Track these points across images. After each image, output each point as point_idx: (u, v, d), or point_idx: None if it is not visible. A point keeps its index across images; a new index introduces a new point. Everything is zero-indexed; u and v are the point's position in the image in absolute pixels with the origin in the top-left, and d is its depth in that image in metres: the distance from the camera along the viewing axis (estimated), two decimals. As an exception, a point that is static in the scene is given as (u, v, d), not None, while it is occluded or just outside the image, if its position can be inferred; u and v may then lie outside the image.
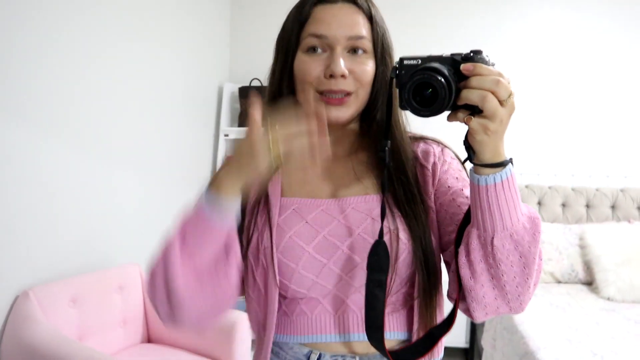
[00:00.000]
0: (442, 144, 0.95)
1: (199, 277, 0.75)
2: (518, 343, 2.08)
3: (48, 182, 1.90)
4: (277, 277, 0.84)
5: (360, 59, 0.85)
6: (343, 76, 0.82)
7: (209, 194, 0.74)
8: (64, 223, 1.98)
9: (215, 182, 0.74)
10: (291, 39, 0.87)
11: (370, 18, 0.87)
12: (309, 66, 0.84)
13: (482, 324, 2.70)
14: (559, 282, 2.78)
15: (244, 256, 0.87)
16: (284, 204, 0.88)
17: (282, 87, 0.90)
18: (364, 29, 0.85)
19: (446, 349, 3.04)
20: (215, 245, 0.75)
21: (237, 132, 3.21)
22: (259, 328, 0.89)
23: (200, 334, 0.79)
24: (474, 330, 3.00)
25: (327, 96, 0.84)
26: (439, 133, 0.95)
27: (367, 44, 0.86)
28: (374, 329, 0.79)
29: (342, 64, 0.82)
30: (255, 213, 0.89)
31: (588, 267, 2.72)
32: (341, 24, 0.84)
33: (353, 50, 0.85)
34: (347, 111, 0.85)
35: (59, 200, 1.95)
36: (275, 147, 0.70)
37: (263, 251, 0.85)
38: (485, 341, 2.54)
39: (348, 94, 0.84)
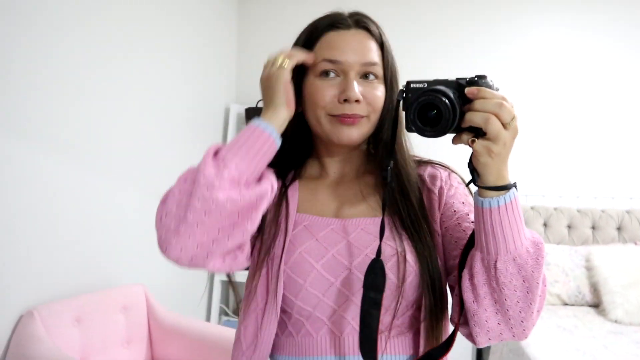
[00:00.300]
0: (449, 168, 0.96)
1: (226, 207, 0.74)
2: (525, 366, 2.05)
3: (52, 201, 1.91)
4: (281, 290, 0.84)
5: (372, 84, 0.87)
6: (357, 101, 0.84)
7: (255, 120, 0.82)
8: (69, 242, 1.99)
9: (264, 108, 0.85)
10: (302, 63, 0.89)
11: (382, 44, 0.90)
12: (322, 90, 0.86)
13: (489, 347, 2.67)
14: (566, 304, 2.75)
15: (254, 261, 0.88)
16: (298, 219, 0.90)
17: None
18: (376, 55, 0.88)
19: (452, 372, 3.00)
20: (263, 157, 0.80)
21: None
22: (250, 346, 0.87)
23: (181, 266, 0.76)
24: (480, 354, 2.97)
25: (340, 117, 0.85)
26: (442, 156, 0.96)
27: (379, 70, 0.88)
28: (368, 348, 0.78)
29: (356, 89, 0.84)
30: (274, 222, 0.89)
31: (595, 289, 2.70)
32: (355, 50, 0.86)
33: (365, 76, 0.87)
34: (359, 131, 0.87)
35: (63, 219, 1.96)
36: (285, 61, 0.83)
37: (271, 259, 0.86)
38: (492, 364, 2.51)
39: (361, 117, 0.86)
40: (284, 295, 0.85)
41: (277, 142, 0.82)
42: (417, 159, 0.96)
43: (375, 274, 0.79)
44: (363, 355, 0.79)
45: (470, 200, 0.90)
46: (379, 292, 0.78)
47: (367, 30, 0.89)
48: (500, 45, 3.22)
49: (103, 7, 2.12)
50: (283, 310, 0.88)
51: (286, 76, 0.83)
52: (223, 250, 0.78)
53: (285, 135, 0.90)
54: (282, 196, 0.92)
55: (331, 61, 0.85)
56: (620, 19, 3.12)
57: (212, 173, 0.74)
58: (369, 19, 0.91)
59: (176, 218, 0.75)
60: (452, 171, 0.95)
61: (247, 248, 0.85)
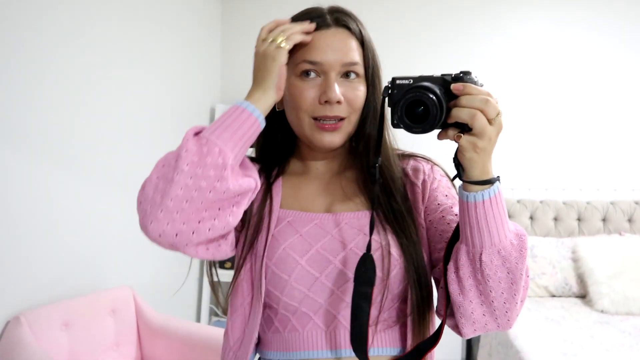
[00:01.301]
0: (431, 161, 0.96)
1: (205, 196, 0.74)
2: (513, 358, 2.07)
3: (38, 206, 1.89)
4: (264, 285, 0.84)
5: (352, 84, 0.87)
6: (338, 102, 0.84)
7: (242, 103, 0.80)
8: (55, 247, 1.97)
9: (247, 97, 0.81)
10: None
11: (362, 42, 0.89)
12: (303, 92, 0.85)
13: (478, 340, 2.70)
14: (553, 295, 2.79)
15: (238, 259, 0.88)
16: (281, 215, 0.90)
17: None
18: (356, 53, 0.87)
19: (442, 365, 3.03)
20: (247, 141, 0.79)
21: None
22: (237, 342, 0.88)
23: (162, 246, 0.76)
24: (470, 346, 3.00)
25: (321, 122, 0.86)
26: (425, 151, 0.97)
27: (360, 68, 0.88)
28: (358, 341, 0.79)
29: (337, 90, 0.84)
30: (257, 217, 0.89)
31: (581, 280, 2.73)
32: (335, 50, 0.85)
33: (345, 75, 0.87)
34: (340, 136, 0.88)
35: (49, 223, 1.94)
36: (278, 39, 0.81)
37: (254, 255, 0.86)
38: (481, 357, 2.53)
39: (341, 119, 0.86)
40: (269, 291, 0.85)
41: (262, 126, 0.82)
42: (400, 152, 0.96)
43: (365, 267, 0.79)
44: (354, 349, 0.79)
45: (453, 192, 0.91)
46: (369, 286, 0.79)
47: (348, 28, 0.88)
48: (483, 39, 3.24)
49: (84, 10, 2.10)
50: (269, 306, 0.88)
51: (283, 58, 0.82)
52: (204, 239, 0.78)
53: (269, 132, 0.90)
54: (266, 192, 0.92)
55: (311, 62, 0.85)
56: (602, 12, 3.15)
57: (194, 157, 0.74)
58: (349, 16, 0.90)
59: (154, 204, 0.75)
60: (435, 164, 0.96)
61: (232, 238, 0.86)
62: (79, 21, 2.08)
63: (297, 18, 0.89)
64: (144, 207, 0.76)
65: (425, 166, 0.94)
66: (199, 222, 0.75)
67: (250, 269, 0.87)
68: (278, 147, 0.97)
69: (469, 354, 3.00)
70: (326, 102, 0.84)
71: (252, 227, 0.88)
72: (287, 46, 0.81)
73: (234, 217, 0.79)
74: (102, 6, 2.22)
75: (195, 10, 3.15)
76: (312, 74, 0.86)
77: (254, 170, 0.84)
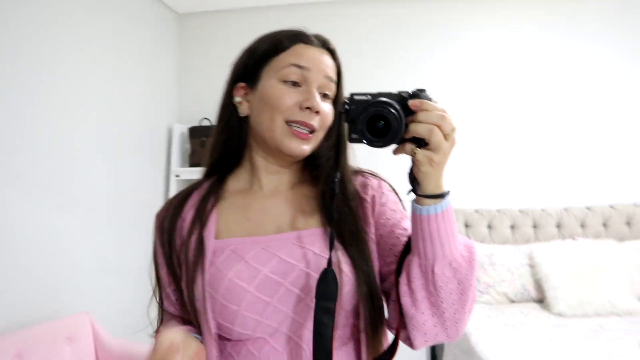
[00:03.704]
0: (378, 177, 0.98)
1: None
2: (477, 365, 2.10)
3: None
4: (212, 323, 0.83)
5: (326, 103, 0.90)
6: (317, 112, 0.87)
7: None
8: (6, 273, 1.90)
9: None
10: (260, 65, 0.90)
11: (339, 69, 0.94)
12: (284, 95, 0.87)
13: (442, 349, 2.73)
14: (513, 301, 2.85)
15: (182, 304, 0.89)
16: (220, 246, 0.88)
17: (228, 110, 0.93)
18: (335, 75, 0.92)
19: (408, 376, 3.04)
20: None
21: (188, 172, 3.19)
22: None
23: None
24: (434, 356, 3.02)
25: (295, 128, 0.87)
26: (374, 167, 0.99)
27: (333, 89, 0.92)
28: (323, 358, 0.78)
29: (319, 99, 0.87)
30: (186, 259, 0.88)
31: (539, 285, 2.80)
32: (320, 63, 0.89)
33: (323, 95, 0.90)
34: (309, 147, 0.89)
35: (1, 248, 1.87)
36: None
37: (198, 299, 0.85)
38: (446, 366, 2.56)
39: (313, 130, 0.88)
40: (219, 324, 0.84)
41: None
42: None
43: (327, 283, 0.79)
44: None
45: (400, 207, 0.93)
46: (331, 301, 0.79)
47: (332, 53, 0.94)
48: (435, 53, 3.33)
49: (35, 28, 2.05)
50: (220, 337, 0.86)
51: None
52: None
53: (221, 141, 0.93)
54: (199, 233, 0.90)
55: (299, 66, 0.87)
56: (554, 13, 3.25)
57: None
58: (332, 43, 0.95)
59: None
60: (382, 179, 0.98)
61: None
62: (32, 41, 2.03)
63: (281, 34, 0.92)
64: None
65: (373, 182, 0.95)
66: None
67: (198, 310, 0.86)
68: (227, 157, 0.97)
69: (435, 363, 3.03)
70: (307, 108, 0.86)
71: (188, 273, 0.87)
72: None
73: None
74: (56, 26, 2.18)
75: (151, 30, 3.13)
76: (294, 83, 0.88)
77: None
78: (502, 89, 3.28)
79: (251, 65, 0.92)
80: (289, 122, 0.87)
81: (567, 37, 3.26)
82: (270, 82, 0.88)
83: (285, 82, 0.88)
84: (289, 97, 0.86)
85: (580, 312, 2.58)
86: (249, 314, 0.82)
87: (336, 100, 0.93)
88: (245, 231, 0.90)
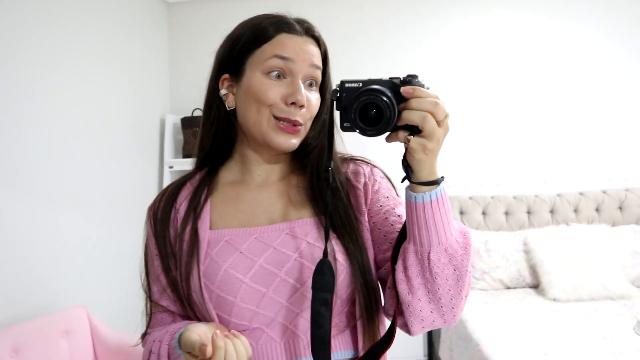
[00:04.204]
0: (370, 163, 0.97)
1: None
2: (473, 350, 2.12)
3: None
4: (213, 314, 0.83)
5: (312, 91, 0.89)
6: (302, 106, 0.85)
7: None
8: (1, 267, 1.88)
9: None
10: (243, 56, 0.88)
11: (325, 55, 0.93)
12: (270, 89, 0.85)
13: (439, 335, 2.75)
14: (508, 287, 2.87)
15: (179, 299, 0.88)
16: (214, 237, 0.88)
17: (215, 102, 0.92)
18: (320, 62, 0.90)
19: (405, 363, 3.07)
20: None
21: (181, 164, 3.17)
22: None
23: None
24: (432, 342, 3.05)
25: (282, 123, 0.86)
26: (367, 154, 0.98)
27: (319, 76, 0.90)
28: (321, 348, 0.78)
29: (304, 92, 0.85)
30: (180, 250, 0.88)
31: (533, 270, 2.83)
32: (305, 53, 0.87)
33: (309, 84, 0.88)
34: (297, 140, 0.88)
35: (-5, 245, 1.86)
36: None
37: (195, 291, 0.84)
38: (443, 352, 2.58)
39: (300, 124, 0.87)
40: (217, 315, 0.84)
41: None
42: (339, 155, 0.96)
43: (323, 274, 0.79)
44: (315, 356, 0.78)
45: (394, 193, 0.93)
46: (328, 292, 0.79)
47: (316, 40, 0.91)
48: (426, 38, 3.31)
49: (23, 20, 2.02)
50: None
51: None
52: None
53: (209, 134, 0.92)
54: (194, 224, 0.89)
55: (283, 57, 0.85)
56: (544, 3, 3.25)
57: None
58: (316, 29, 0.92)
59: None
60: (374, 166, 0.97)
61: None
62: (25, 32, 2.00)
63: (263, 21, 0.89)
64: None
65: (365, 169, 0.94)
66: None
67: (195, 303, 0.85)
68: (217, 149, 0.96)
69: (431, 350, 3.05)
70: (292, 104, 0.85)
71: (183, 265, 0.87)
72: None
73: None
74: (48, 19, 2.15)
75: (142, 21, 3.09)
76: (279, 75, 0.86)
77: None
78: (497, 74, 3.28)
79: (235, 57, 0.90)
80: (275, 117, 0.86)
81: (561, 19, 3.25)
82: (255, 75, 0.87)
83: (269, 74, 0.86)
84: (274, 92, 0.85)
85: (575, 296, 2.60)
86: (245, 305, 0.82)
87: (323, 87, 0.92)
88: (239, 222, 0.90)
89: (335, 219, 0.87)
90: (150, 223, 0.94)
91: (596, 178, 3.22)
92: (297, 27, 0.89)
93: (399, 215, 0.88)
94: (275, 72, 0.86)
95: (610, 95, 3.23)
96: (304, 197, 0.91)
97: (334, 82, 0.91)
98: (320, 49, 0.91)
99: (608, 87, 3.23)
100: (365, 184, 0.92)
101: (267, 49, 0.87)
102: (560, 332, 2.16)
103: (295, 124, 0.86)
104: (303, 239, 0.85)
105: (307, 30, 0.90)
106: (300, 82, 0.86)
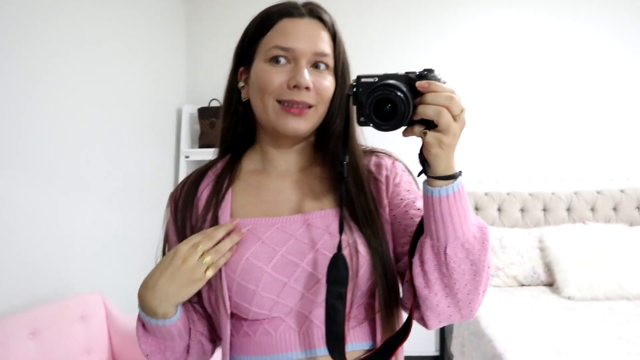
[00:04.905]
0: (392, 156, 0.97)
1: None
2: (486, 347, 2.11)
3: (1, 211, 1.83)
4: (227, 304, 0.83)
5: (322, 74, 0.87)
6: (307, 88, 0.84)
7: (146, 319, 0.87)
8: (19, 252, 1.91)
9: (150, 309, 0.85)
10: (252, 47, 0.88)
11: (334, 35, 0.90)
12: (271, 75, 0.85)
13: (451, 331, 2.74)
14: (522, 284, 2.85)
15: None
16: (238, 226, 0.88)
17: (234, 95, 0.93)
18: (327, 46, 0.88)
19: (417, 357, 3.07)
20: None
21: (198, 154, 3.19)
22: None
23: None
24: (444, 338, 3.04)
25: (287, 105, 0.85)
26: (387, 147, 0.97)
27: (330, 60, 0.88)
28: (335, 342, 0.78)
29: (307, 76, 0.84)
30: None
31: (548, 268, 2.80)
32: (307, 38, 0.86)
33: (315, 65, 0.86)
34: (306, 124, 0.86)
35: (13, 228, 1.89)
36: (210, 263, 0.81)
37: (214, 277, 0.85)
38: (455, 347, 2.58)
39: (309, 106, 0.85)
40: (237, 303, 0.84)
41: (176, 320, 0.87)
42: (362, 148, 0.95)
43: (337, 267, 0.79)
44: (331, 350, 0.78)
45: (415, 187, 0.92)
46: (342, 286, 0.78)
47: (321, 20, 0.89)
48: (446, 34, 3.29)
49: (41, 9, 2.04)
50: (236, 316, 0.86)
51: (205, 281, 0.83)
52: None
53: (230, 126, 0.93)
54: (215, 214, 0.90)
55: (283, 48, 0.85)
56: (563, 3, 3.22)
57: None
58: (323, 9, 0.90)
59: None
60: (396, 159, 0.96)
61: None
62: (40, 23, 2.02)
63: (269, 9, 0.89)
64: None
65: (387, 162, 0.94)
66: None
67: (207, 288, 0.87)
68: (238, 141, 0.97)
69: (443, 345, 3.05)
70: (295, 86, 0.83)
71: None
72: (211, 273, 0.82)
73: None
74: (62, 7, 2.16)
75: (160, 11, 3.10)
76: (282, 60, 0.85)
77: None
78: (514, 71, 3.25)
79: (246, 48, 0.90)
80: (279, 101, 0.85)
81: (578, 18, 3.21)
82: (259, 64, 0.87)
83: (271, 61, 0.85)
84: (276, 78, 0.84)
85: (590, 295, 2.57)
86: (266, 294, 0.82)
87: (337, 70, 0.89)
88: (261, 212, 0.90)
89: (357, 211, 0.86)
90: (171, 209, 0.95)
91: (614, 177, 3.18)
92: (301, 9, 0.88)
93: (419, 209, 0.87)
94: (279, 59, 0.85)
95: (631, 93, 3.17)
96: (325, 188, 0.91)
97: (353, 72, 0.90)
98: (327, 29, 0.89)
99: (628, 84, 3.18)
100: (387, 176, 0.91)
101: (270, 36, 0.86)
102: (574, 330, 2.14)
103: (302, 105, 0.84)
104: (325, 230, 0.85)
105: (311, 12, 0.88)
106: (303, 65, 0.84)
